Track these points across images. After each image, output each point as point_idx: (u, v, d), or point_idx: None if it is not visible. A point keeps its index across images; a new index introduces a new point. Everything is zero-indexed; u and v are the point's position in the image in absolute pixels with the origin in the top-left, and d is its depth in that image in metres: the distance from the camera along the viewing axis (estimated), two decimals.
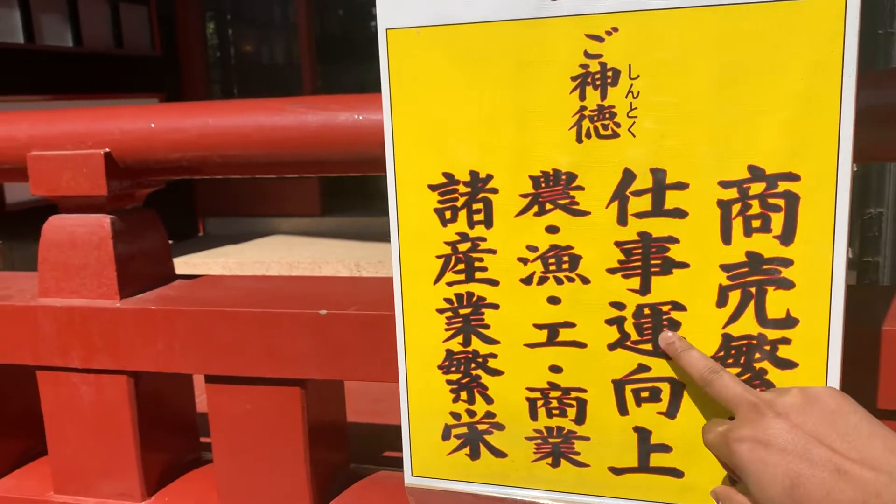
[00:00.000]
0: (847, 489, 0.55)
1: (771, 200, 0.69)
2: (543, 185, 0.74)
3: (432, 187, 0.77)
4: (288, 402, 1.20)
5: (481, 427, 0.81)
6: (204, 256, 3.33)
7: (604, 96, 0.71)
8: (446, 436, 0.82)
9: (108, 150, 1.23)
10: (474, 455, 0.82)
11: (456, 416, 0.81)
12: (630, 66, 0.70)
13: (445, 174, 0.76)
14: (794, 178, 0.68)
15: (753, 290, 0.71)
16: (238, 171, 1.25)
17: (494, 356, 0.79)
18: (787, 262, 0.69)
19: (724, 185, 0.70)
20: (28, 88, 3.40)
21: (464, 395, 0.81)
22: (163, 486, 1.34)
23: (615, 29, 0.69)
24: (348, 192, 4.92)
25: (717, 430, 0.66)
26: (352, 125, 1.13)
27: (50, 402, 1.30)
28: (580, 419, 0.78)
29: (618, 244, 0.73)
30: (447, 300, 0.79)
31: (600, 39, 0.70)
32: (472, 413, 0.81)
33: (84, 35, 3.60)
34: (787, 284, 0.70)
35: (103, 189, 1.23)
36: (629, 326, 0.75)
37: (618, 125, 0.71)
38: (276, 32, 4.54)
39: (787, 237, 0.69)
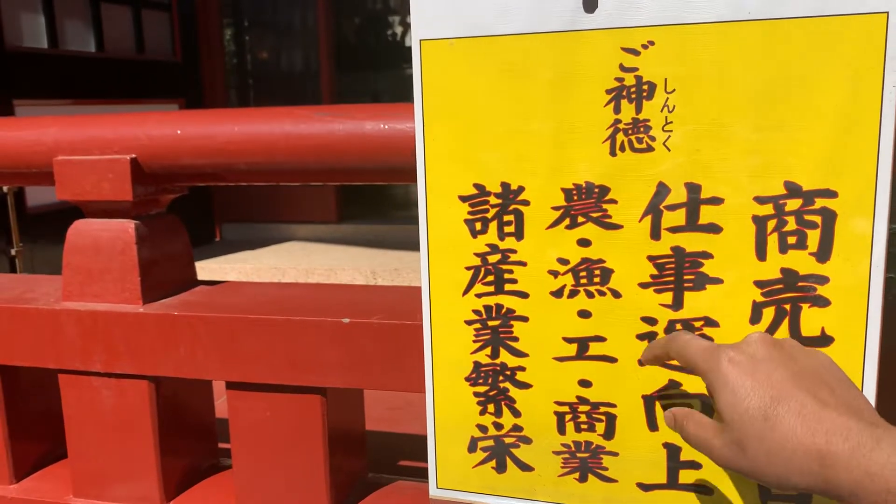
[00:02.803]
0: (824, 422, 0.54)
1: (807, 217, 0.68)
2: (576, 197, 0.73)
3: (463, 198, 0.77)
4: (308, 409, 1.20)
5: (508, 440, 0.80)
6: (221, 262, 3.34)
7: (639, 110, 0.70)
8: (472, 448, 0.82)
9: (134, 155, 1.24)
10: (500, 468, 0.81)
11: (483, 428, 0.81)
12: (666, 79, 0.69)
13: (476, 185, 0.76)
14: (831, 194, 0.67)
15: (788, 307, 0.70)
16: (263, 178, 1.26)
17: (523, 369, 0.78)
18: (823, 280, 0.69)
19: (760, 200, 0.69)
20: (51, 93, 3.44)
21: (491, 407, 0.80)
22: (181, 491, 1.34)
23: (651, 42, 0.69)
24: (365, 199, 4.93)
25: (704, 343, 0.64)
26: (378, 134, 1.13)
27: (71, 406, 1.30)
28: (609, 434, 0.77)
29: (650, 258, 0.73)
30: (476, 312, 0.79)
31: (636, 53, 0.69)
32: (499, 426, 0.80)
33: (106, 40, 3.63)
34: (823, 302, 0.69)
35: (129, 194, 1.24)
36: None
37: (652, 139, 0.71)
38: (296, 39, 4.56)
39: (823, 254, 0.68)
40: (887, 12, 0.63)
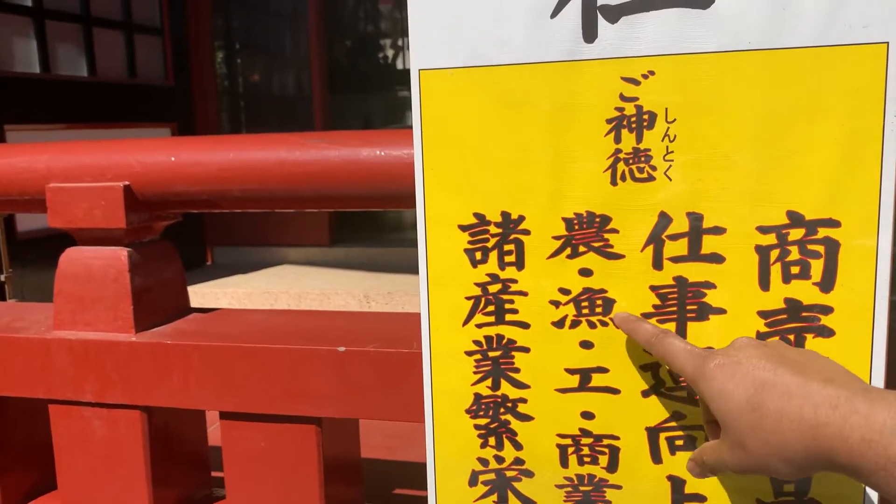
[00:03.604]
0: (811, 396, 0.54)
1: (810, 247, 0.68)
2: (577, 227, 0.73)
3: (463, 227, 0.76)
4: (304, 439, 1.18)
5: (510, 474, 0.79)
6: (212, 286, 3.32)
7: (639, 139, 0.70)
8: (473, 482, 0.80)
9: (127, 182, 1.23)
10: (502, 502, 0.80)
11: (484, 461, 0.80)
12: (667, 109, 0.69)
13: (476, 214, 0.75)
14: (834, 224, 0.67)
15: (792, 337, 0.69)
16: (258, 205, 1.25)
17: (524, 401, 0.77)
18: (828, 310, 0.68)
19: (763, 230, 0.69)
20: (43, 117, 3.43)
21: (492, 440, 0.79)
22: None
23: (652, 72, 0.69)
24: (357, 222, 4.93)
25: (691, 350, 0.65)
26: (374, 161, 1.13)
27: (61, 436, 1.28)
28: (612, 467, 0.76)
29: (653, 288, 0.72)
30: (476, 342, 0.78)
31: (636, 83, 0.69)
32: (500, 459, 0.79)
33: (98, 65, 3.63)
34: (827, 332, 0.68)
35: (122, 222, 1.22)
36: (664, 373, 0.73)
37: (654, 168, 0.70)
38: (288, 63, 4.58)
39: (827, 284, 0.68)
40: (888, 42, 0.63)
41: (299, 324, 1.29)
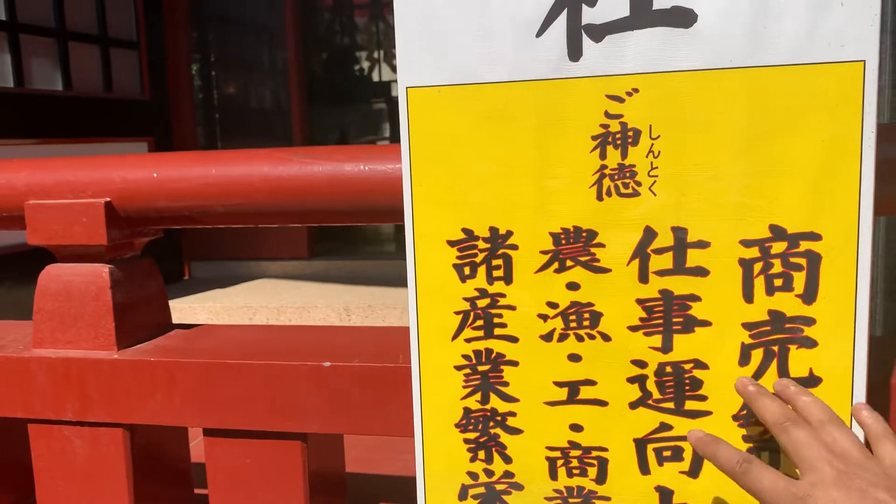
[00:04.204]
0: None
1: (793, 259, 0.69)
2: (564, 241, 0.74)
3: (451, 243, 0.77)
4: (289, 455, 1.17)
5: (499, 487, 0.80)
6: (190, 301, 3.29)
7: (624, 155, 0.71)
8: (463, 496, 0.81)
9: (108, 199, 1.22)
10: None
11: (473, 475, 0.80)
12: (651, 126, 0.70)
13: (465, 230, 0.76)
14: (815, 237, 0.68)
15: (776, 348, 0.71)
16: (242, 220, 1.24)
17: (514, 414, 0.78)
18: (810, 321, 0.69)
19: (746, 244, 0.70)
20: (18, 132, 3.39)
21: (482, 454, 0.79)
22: None
23: (636, 90, 0.70)
24: (336, 235, 4.91)
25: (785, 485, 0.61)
26: (358, 175, 1.13)
27: (41, 456, 1.26)
28: (601, 479, 0.77)
29: (639, 301, 0.73)
30: (465, 357, 0.78)
31: (621, 100, 0.71)
32: (489, 473, 0.80)
33: (74, 79, 3.60)
34: (810, 343, 0.70)
35: (103, 238, 1.21)
36: (651, 385, 0.74)
37: (638, 184, 0.71)
38: (266, 77, 4.57)
39: (809, 296, 0.69)
40: (864, 60, 0.65)
41: (283, 339, 1.29)
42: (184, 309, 3.30)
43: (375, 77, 7.05)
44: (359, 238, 5.39)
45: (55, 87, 3.56)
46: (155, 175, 1.21)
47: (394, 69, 6.93)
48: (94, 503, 1.25)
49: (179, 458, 1.38)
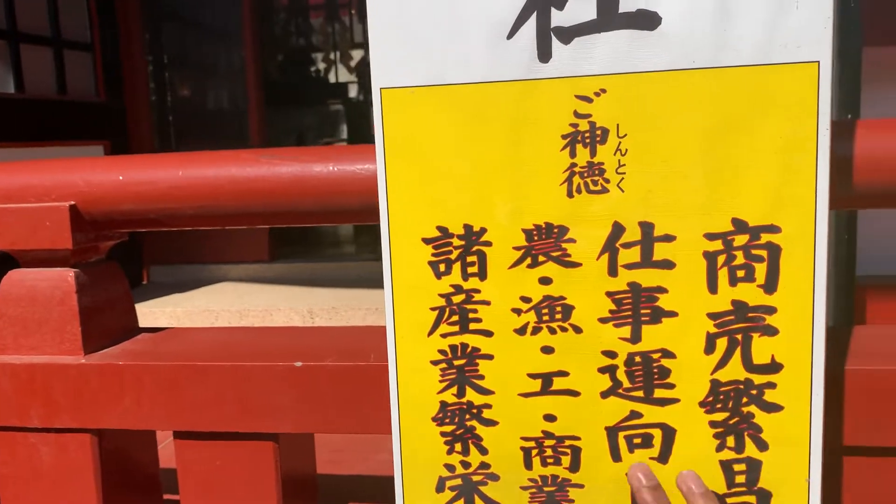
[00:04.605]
0: None
1: (754, 251, 0.72)
2: (536, 237, 0.76)
3: (426, 240, 0.78)
4: (261, 456, 1.18)
5: (476, 478, 0.82)
6: (150, 306, 3.24)
7: (593, 153, 0.74)
8: (440, 488, 0.82)
9: (73, 202, 1.21)
10: None
11: (450, 467, 0.82)
12: (618, 125, 0.73)
13: (439, 228, 0.78)
14: (775, 230, 0.72)
15: (739, 337, 0.74)
16: (210, 222, 1.24)
17: (489, 406, 0.80)
18: (771, 310, 0.73)
19: (710, 237, 0.73)
20: None
21: (458, 446, 0.81)
22: None
23: (603, 90, 0.73)
24: (298, 237, 4.89)
25: None
26: (326, 176, 1.14)
27: (6, 464, 1.24)
28: (574, 467, 0.79)
29: (609, 294, 0.76)
30: (441, 352, 0.80)
31: (589, 100, 0.73)
32: (466, 464, 0.81)
33: (27, 81, 3.52)
34: (772, 331, 0.73)
35: (68, 242, 1.20)
36: (621, 374, 0.77)
37: (607, 181, 0.74)
38: (223, 78, 4.52)
39: (770, 286, 0.72)
40: (818, 61, 0.68)
41: (252, 340, 1.29)
42: (144, 314, 3.24)
43: (333, 78, 7.02)
44: (320, 241, 5.37)
45: (7, 90, 3.48)
46: (121, 178, 1.20)
47: (351, 70, 6.92)
48: None
49: (148, 463, 1.37)
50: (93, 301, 1.24)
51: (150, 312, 3.17)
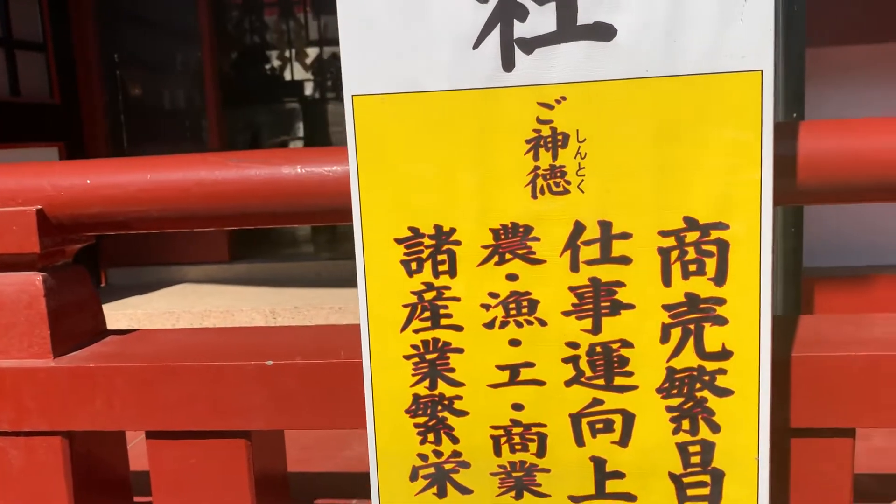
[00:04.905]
0: None
1: (705, 247, 0.78)
2: (503, 236, 0.80)
3: (398, 240, 0.82)
4: (234, 454, 1.20)
5: (448, 466, 0.86)
6: (109, 308, 3.20)
7: (555, 157, 0.78)
8: (414, 477, 0.86)
9: (40, 206, 1.21)
10: (441, 494, 0.86)
11: (423, 457, 0.86)
12: (578, 130, 0.78)
13: (411, 228, 0.82)
14: (723, 226, 0.77)
15: (692, 326, 0.79)
16: (178, 225, 1.26)
17: (460, 398, 0.84)
18: (721, 301, 0.78)
19: (664, 234, 0.78)
20: None
21: (431, 436, 0.85)
22: None
23: (564, 98, 0.77)
24: (257, 238, 4.87)
25: None
26: (294, 178, 1.16)
27: None
28: (541, 452, 0.84)
29: (571, 289, 0.81)
30: (414, 346, 0.84)
31: (550, 107, 0.78)
32: (438, 454, 0.86)
33: None
34: (722, 321, 0.79)
35: (36, 246, 1.21)
36: (583, 364, 0.82)
37: (568, 182, 0.79)
38: (181, 78, 4.47)
39: (720, 279, 0.78)
40: (762, 70, 0.74)
41: (222, 341, 1.31)
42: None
43: (289, 77, 6.99)
44: (279, 241, 5.35)
45: None
46: (88, 181, 1.21)
47: (306, 68, 6.89)
48: None
49: (118, 464, 1.38)
50: (61, 304, 1.25)
51: (111, 315, 3.12)
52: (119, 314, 3.14)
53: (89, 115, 4.04)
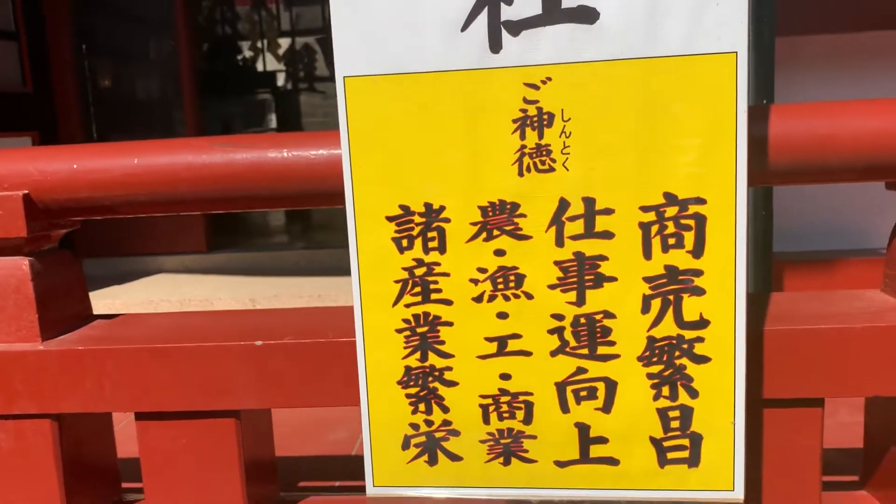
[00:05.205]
0: None
1: (683, 221, 0.82)
2: (491, 213, 0.84)
3: (390, 218, 0.85)
4: (223, 432, 1.22)
5: (438, 435, 0.89)
6: None
7: (541, 136, 0.82)
8: (406, 446, 0.90)
9: (26, 191, 1.22)
10: (432, 461, 0.89)
11: (415, 426, 0.89)
12: (563, 109, 0.81)
13: (402, 206, 0.85)
14: (701, 202, 0.81)
15: (672, 297, 0.83)
16: (165, 209, 1.28)
17: (450, 369, 0.87)
18: (699, 273, 0.82)
19: (644, 209, 0.82)
20: None
21: (422, 406, 0.88)
22: None
23: (549, 78, 0.81)
24: (235, 227, 4.86)
25: None
26: (280, 162, 1.18)
27: None
28: (528, 420, 0.88)
29: (556, 263, 0.84)
30: (405, 321, 0.87)
31: (536, 87, 0.81)
32: (429, 423, 0.89)
33: None
34: (699, 291, 0.83)
35: (23, 231, 1.21)
36: (568, 334, 0.86)
37: (553, 161, 0.82)
38: (156, 67, 4.43)
39: (697, 252, 0.82)
40: (736, 52, 0.78)
41: (210, 323, 1.33)
42: None
43: (265, 66, 6.96)
44: (258, 230, 5.35)
45: None
46: (75, 166, 1.22)
47: (281, 58, 6.87)
48: (24, 494, 1.25)
49: (105, 448, 1.39)
50: (48, 289, 1.26)
51: None
52: (97, 303, 3.12)
53: (63, 104, 4.00)
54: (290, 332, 1.20)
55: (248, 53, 6.93)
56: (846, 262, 2.99)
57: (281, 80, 6.99)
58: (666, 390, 0.85)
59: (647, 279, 0.84)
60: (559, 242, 0.84)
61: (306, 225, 5.53)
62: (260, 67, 6.93)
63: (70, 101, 4.05)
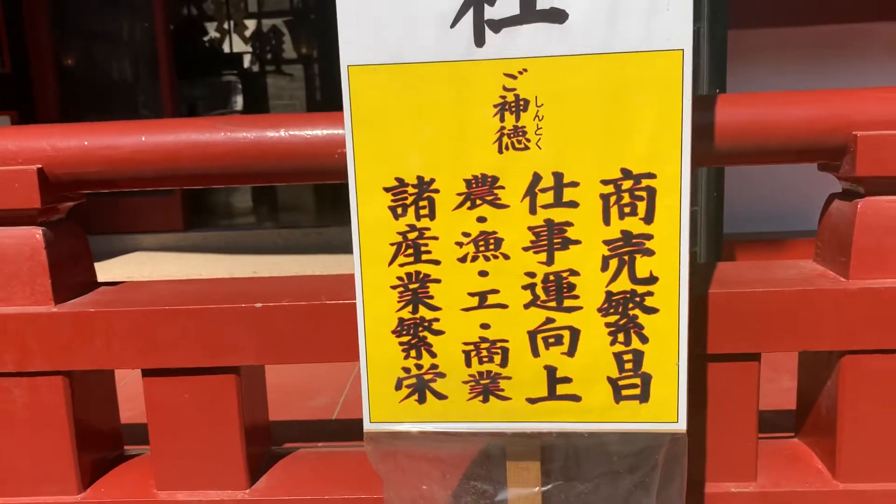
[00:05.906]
0: None
1: (637, 193, 0.96)
2: (474, 185, 0.97)
3: (387, 189, 0.98)
4: (224, 388, 1.34)
5: (427, 377, 1.03)
6: None
7: (518, 119, 0.95)
8: (398, 387, 1.03)
9: (40, 166, 1.31)
10: (421, 400, 1.03)
11: (406, 370, 1.03)
12: (536, 96, 0.95)
13: (397, 179, 0.98)
14: (652, 176, 0.96)
15: (626, 257, 0.98)
16: (170, 183, 1.39)
17: (437, 320, 1.01)
18: (649, 237, 0.97)
19: (605, 182, 0.96)
20: None
21: (413, 353, 1.02)
22: (94, 480, 1.42)
23: (525, 70, 0.94)
24: (211, 206, 4.94)
25: None
26: (279, 141, 1.30)
27: None
28: (504, 363, 1.02)
29: (530, 228, 0.98)
30: (399, 278, 1.00)
31: (514, 77, 0.95)
32: (419, 367, 1.03)
33: None
34: (650, 252, 0.97)
35: (37, 202, 1.31)
36: (539, 290, 1.00)
37: (528, 140, 0.96)
38: (133, 48, 4.45)
39: (649, 219, 0.97)
40: (683, 49, 0.92)
41: (211, 289, 1.44)
42: None
43: (227, 48, 6.97)
44: (234, 210, 5.43)
45: None
46: (86, 143, 1.33)
47: (247, 39, 6.88)
48: (37, 449, 1.36)
49: (109, 405, 1.50)
50: (59, 256, 1.37)
51: None
52: None
53: (41, 83, 4.03)
54: (287, 295, 1.33)
55: (236, 35, 6.94)
56: (790, 242, 3.20)
57: (249, 62, 7.02)
58: (621, 337, 1.00)
59: (606, 242, 0.98)
60: (532, 210, 0.98)
61: (278, 206, 5.61)
62: (227, 49, 6.95)
63: (47, 81, 4.08)
